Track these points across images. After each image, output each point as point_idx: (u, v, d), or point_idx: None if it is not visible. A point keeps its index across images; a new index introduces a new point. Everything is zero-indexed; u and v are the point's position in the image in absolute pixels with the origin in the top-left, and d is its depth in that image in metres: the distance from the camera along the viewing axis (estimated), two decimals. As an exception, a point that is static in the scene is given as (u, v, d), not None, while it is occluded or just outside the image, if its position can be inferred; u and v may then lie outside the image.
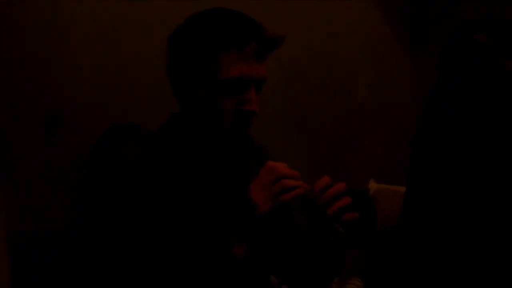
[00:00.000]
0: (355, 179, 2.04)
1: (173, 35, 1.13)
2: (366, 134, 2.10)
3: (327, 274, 1.22)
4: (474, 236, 1.26)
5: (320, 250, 1.15)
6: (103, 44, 1.41)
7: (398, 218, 1.52)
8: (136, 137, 1.12)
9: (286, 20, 1.80)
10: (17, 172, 1.26)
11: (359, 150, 2.08)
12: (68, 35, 1.35)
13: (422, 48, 2.17)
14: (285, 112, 1.86)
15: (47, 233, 1.28)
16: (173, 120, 1.17)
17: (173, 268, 0.99)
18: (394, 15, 2.13)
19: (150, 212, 1.01)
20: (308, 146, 1.92)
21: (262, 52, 1.09)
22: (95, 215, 1.09)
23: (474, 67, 1.31)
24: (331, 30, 1.96)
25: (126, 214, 1.02)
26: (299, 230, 1.19)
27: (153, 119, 1.20)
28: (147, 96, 1.42)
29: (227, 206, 1.03)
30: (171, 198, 1.04)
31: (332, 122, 2.00)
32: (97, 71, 1.40)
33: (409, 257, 1.38)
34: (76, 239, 1.23)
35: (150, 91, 1.38)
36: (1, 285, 1.11)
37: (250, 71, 1.07)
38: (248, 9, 1.60)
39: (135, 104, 1.44)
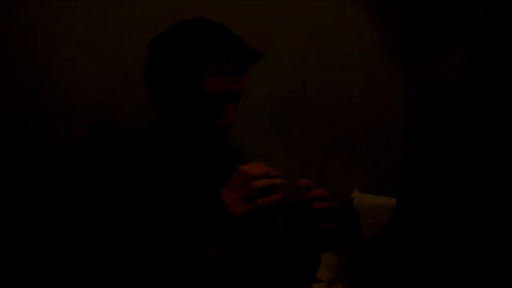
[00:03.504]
0: (339, 187, 2.05)
1: (155, 43, 1.13)
2: (351, 144, 2.10)
3: (305, 275, 1.24)
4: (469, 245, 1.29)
5: (297, 250, 1.17)
6: (94, 44, 1.40)
7: (386, 227, 1.55)
8: (118, 142, 1.13)
9: (276, 22, 1.81)
10: (16, 175, 1.25)
11: (344, 159, 2.08)
12: (59, 34, 1.35)
13: (413, 52, 2.15)
14: (271, 117, 1.86)
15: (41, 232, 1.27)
16: (153, 128, 1.19)
17: (150, 268, 1.00)
18: (386, 18, 2.11)
19: (129, 215, 1.03)
20: (292, 154, 1.92)
21: (242, 68, 1.11)
22: (78, 212, 1.10)
23: None
24: (322, 32, 1.95)
25: (106, 216, 1.04)
26: (276, 231, 1.21)
27: (141, 118, 1.21)
28: (136, 95, 1.42)
29: (203, 210, 1.04)
30: (150, 202, 1.06)
31: (319, 129, 2.00)
32: (88, 70, 1.39)
33: (399, 266, 1.41)
34: (65, 234, 1.24)
35: (139, 90, 1.38)
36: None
37: (230, 86, 1.09)
38: (239, 11, 1.62)
39: (125, 104, 1.44)
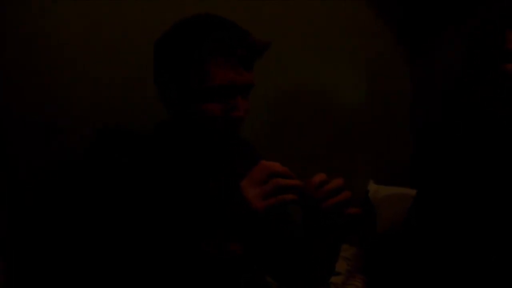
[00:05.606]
0: (354, 180, 2.02)
1: (160, 41, 1.13)
2: (365, 135, 2.07)
3: (323, 271, 1.22)
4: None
5: (316, 246, 1.15)
6: (96, 44, 1.40)
7: (404, 220, 1.52)
8: (128, 143, 1.13)
9: (279, 19, 1.78)
10: (16, 175, 1.27)
11: (358, 152, 2.06)
12: (60, 34, 1.34)
13: (419, 48, 2.14)
14: (283, 114, 1.84)
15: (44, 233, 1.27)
16: (162, 126, 1.18)
17: (167, 267, 0.99)
18: (389, 15, 2.10)
19: (143, 216, 1.02)
20: (307, 148, 1.89)
21: (249, 59, 1.11)
22: (88, 215, 1.10)
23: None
24: (325, 29, 1.93)
25: (119, 218, 1.02)
26: (295, 227, 1.19)
27: (148, 121, 1.20)
28: (142, 98, 1.42)
29: (219, 206, 1.02)
30: (164, 201, 1.05)
31: (331, 123, 1.97)
32: (89, 70, 1.38)
33: (417, 258, 1.38)
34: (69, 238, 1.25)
35: (145, 93, 1.37)
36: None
37: (238, 78, 1.08)
38: (240, 9, 1.59)
39: (130, 107, 1.43)
